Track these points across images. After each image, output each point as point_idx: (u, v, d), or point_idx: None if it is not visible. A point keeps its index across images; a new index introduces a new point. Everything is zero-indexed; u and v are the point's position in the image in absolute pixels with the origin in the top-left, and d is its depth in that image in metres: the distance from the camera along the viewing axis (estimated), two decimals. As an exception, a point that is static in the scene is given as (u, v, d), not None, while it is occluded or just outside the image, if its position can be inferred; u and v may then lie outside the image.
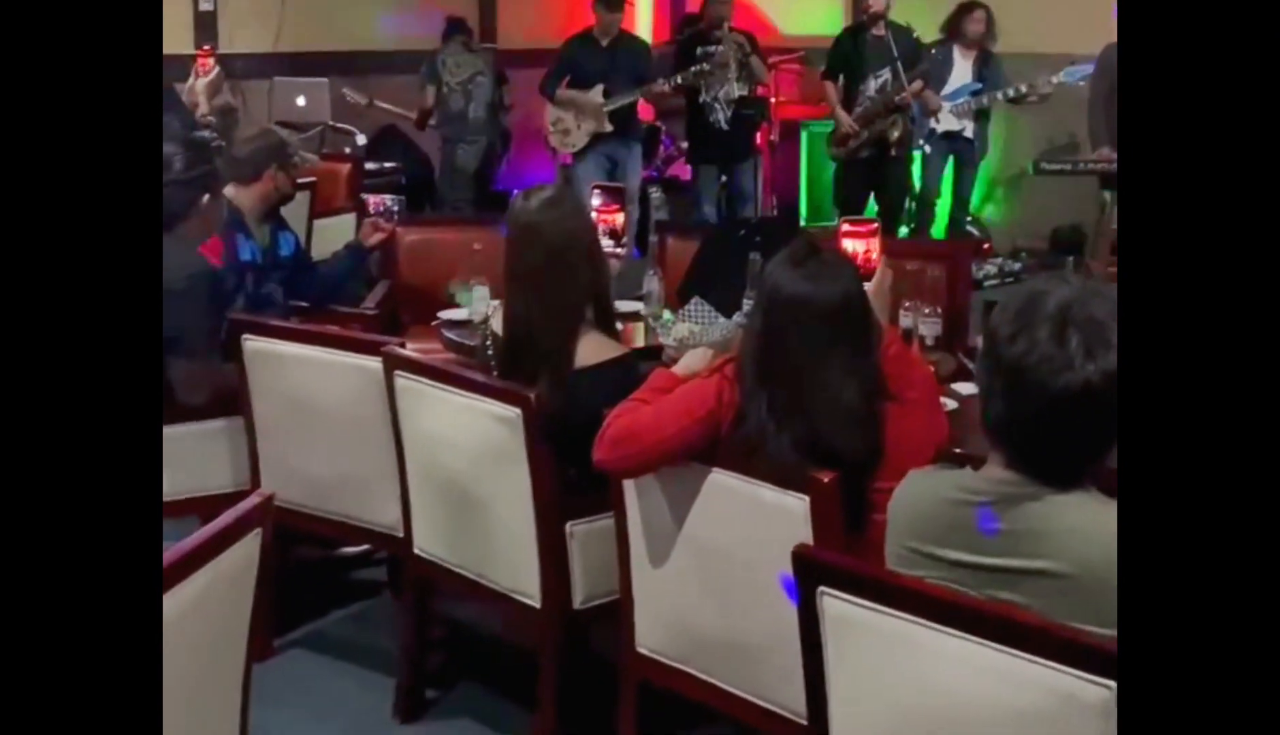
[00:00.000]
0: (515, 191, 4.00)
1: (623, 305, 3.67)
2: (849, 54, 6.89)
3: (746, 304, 3.38)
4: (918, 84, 6.73)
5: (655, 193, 8.22)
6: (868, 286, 2.59)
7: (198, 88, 5.83)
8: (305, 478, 3.31)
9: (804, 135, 8.53)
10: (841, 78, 6.96)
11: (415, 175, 7.93)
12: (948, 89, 7.12)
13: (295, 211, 4.63)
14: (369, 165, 7.04)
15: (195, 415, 3.42)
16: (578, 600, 2.85)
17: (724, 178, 7.30)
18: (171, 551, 1.74)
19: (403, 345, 3.09)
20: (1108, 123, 6.27)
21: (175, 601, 1.71)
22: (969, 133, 7.18)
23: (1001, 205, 8.49)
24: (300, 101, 7.46)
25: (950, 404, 2.89)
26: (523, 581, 2.85)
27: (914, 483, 1.93)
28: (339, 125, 7.58)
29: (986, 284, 7.33)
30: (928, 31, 7.04)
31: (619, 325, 3.18)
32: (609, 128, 7.03)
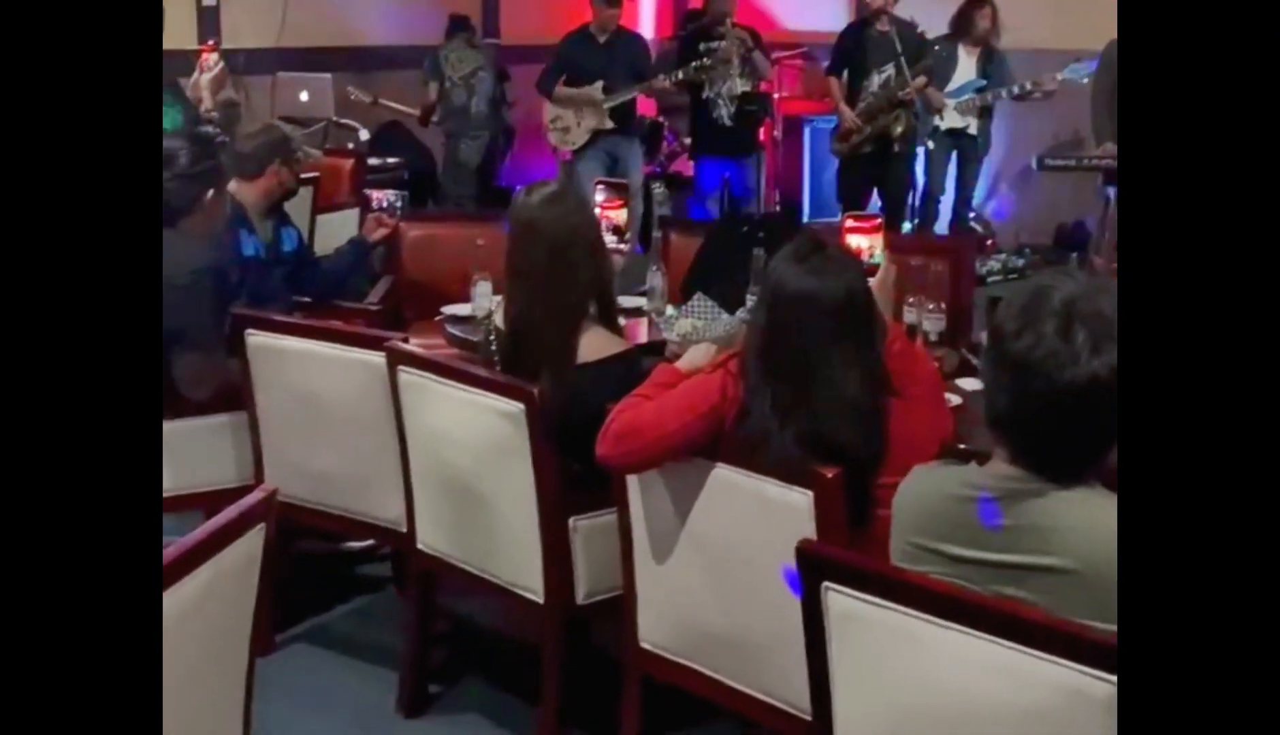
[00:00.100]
0: (518, 187, 4.00)
1: (626, 301, 3.67)
2: (852, 50, 6.87)
3: (750, 299, 3.38)
4: (921, 80, 6.73)
5: (658, 188, 8.23)
6: (872, 282, 2.59)
7: (201, 83, 5.81)
8: (309, 473, 3.31)
9: (807, 131, 8.54)
10: (845, 73, 6.94)
11: (418, 170, 7.92)
12: (952, 86, 7.12)
13: (298, 207, 4.62)
14: (372, 160, 7.02)
15: (199, 410, 3.41)
16: (581, 595, 2.86)
17: (727, 174, 7.30)
18: (175, 546, 1.74)
19: (406, 340, 3.09)
20: (1111, 119, 6.26)
21: (179, 596, 1.72)
22: (973, 130, 7.17)
23: (1005, 201, 8.48)
24: (303, 97, 7.46)
25: (954, 399, 2.89)
26: (526, 576, 2.85)
27: (918, 478, 1.93)
28: (342, 120, 7.57)
29: (990, 280, 7.32)
30: (931, 27, 7.03)
31: (622, 321, 3.17)
32: (609, 124, 7.02)
